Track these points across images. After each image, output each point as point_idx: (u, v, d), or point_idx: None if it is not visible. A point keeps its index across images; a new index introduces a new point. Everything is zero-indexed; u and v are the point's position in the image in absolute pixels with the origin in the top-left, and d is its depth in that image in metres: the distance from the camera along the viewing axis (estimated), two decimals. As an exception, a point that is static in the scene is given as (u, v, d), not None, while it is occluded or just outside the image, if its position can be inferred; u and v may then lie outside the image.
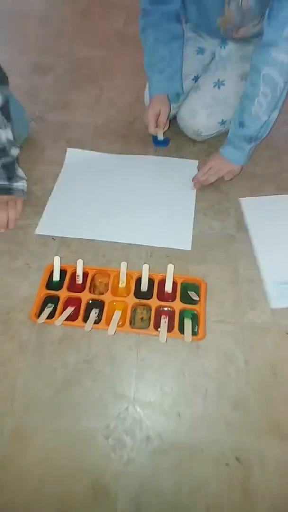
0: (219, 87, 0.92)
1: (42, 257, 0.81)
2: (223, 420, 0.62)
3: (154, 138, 0.97)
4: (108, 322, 0.67)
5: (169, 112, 0.92)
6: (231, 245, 0.82)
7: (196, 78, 0.97)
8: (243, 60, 0.90)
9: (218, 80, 0.92)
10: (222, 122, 0.94)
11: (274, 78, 0.72)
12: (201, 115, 0.93)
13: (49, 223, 0.86)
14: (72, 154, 1.02)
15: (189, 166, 0.98)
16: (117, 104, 1.19)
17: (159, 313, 0.70)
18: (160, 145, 0.98)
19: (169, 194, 0.92)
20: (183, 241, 0.82)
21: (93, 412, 0.63)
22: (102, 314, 0.70)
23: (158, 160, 1.00)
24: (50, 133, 1.09)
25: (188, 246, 0.81)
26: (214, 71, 0.94)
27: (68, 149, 1.02)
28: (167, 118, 0.92)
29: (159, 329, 0.66)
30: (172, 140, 1.02)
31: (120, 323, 0.69)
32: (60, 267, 0.76)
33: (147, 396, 0.64)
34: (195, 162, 0.99)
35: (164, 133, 0.95)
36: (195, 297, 0.68)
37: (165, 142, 0.97)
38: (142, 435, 0.61)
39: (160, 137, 0.95)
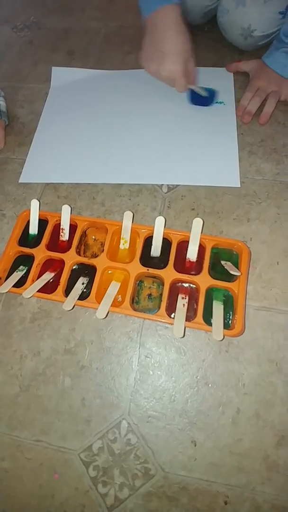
0: None
1: (22, 201, 0.59)
2: (261, 459, 0.41)
3: (193, 95, 0.64)
4: (99, 299, 0.46)
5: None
6: (289, 198, 0.55)
7: None
8: None
9: None
10: (285, 11, 0.63)
11: None
12: (254, 1, 0.62)
13: (36, 167, 0.62)
14: (60, 75, 0.74)
15: (220, 76, 0.69)
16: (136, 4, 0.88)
17: (175, 290, 0.47)
18: (203, 104, 0.65)
19: (196, 119, 0.64)
20: (228, 176, 0.57)
21: (70, 425, 0.43)
22: (92, 286, 0.48)
23: None
24: (47, 42, 0.82)
25: (236, 182, 0.56)
26: None
27: (53, 69, 0.75)
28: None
29: (173, 315, 0.43)
30: (207, 50, 0.72)
31: (120, 299, 0.47)
32: (40, 215, 0.54)
33: (150, 410, 0.43)
34: (223, 70, 0.69)
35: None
36: (234, 272, 0.43)
37: (210, 97, 0.65)
38: (139, 467, 0.41)
39: (203, 92, 0.63)
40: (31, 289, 0.47)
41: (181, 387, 0.44)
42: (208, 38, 0.74)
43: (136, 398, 0.44)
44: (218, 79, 0.68)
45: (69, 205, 0.53)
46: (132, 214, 0.50)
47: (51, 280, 0.49)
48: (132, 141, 0.62)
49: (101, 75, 0.73)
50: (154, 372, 0.45)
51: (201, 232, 0.48)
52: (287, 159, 0.59)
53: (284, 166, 0.58)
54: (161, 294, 0.47)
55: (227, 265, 0.45)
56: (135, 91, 0.69)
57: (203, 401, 0.43)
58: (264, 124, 0.62)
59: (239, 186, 0.56)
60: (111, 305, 0.45)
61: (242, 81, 0.68)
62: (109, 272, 0.49)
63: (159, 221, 0.49)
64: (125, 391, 0.44)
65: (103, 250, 0.50)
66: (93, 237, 0.54)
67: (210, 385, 0.44)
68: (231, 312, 0.45)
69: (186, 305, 0.45)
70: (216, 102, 0.65)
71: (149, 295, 0.49)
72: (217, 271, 0.47)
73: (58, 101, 0.70)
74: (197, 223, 0.48)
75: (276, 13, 0.62)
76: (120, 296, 0.48)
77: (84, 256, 0.52)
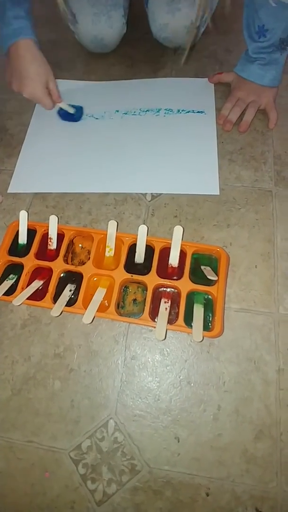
0: None
1: (11, 211, 0.61)
2: (240, 453, 0.43)
3: (62, 111, 0.69)
4: (86, 305, 0.48)
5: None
6: (266, 204, 0.58)
7: None
8: None
9: None
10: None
11: None
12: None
13: (24, 177, 0.64)
14: None
15: (201, 87, 0.71)
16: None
17: (158, 294, 0.50)
18: (71, 120, 0.69)
19: (178, 128, 0.66)
20: (208, 185, 0.59)
21: (60, 426, 0.45)
22: (79, 293, 0.50)
23: (163, 83, 0.73)
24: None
25: (215, 190, 0.59)
26: None
27: None
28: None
29: (156, 319, 0.46)
30: (188, 62, 0.75)
31: (107, 304, 0.50)
32: (29, 225, 0.56)
33: (136, 409, 0.46)
34: (205, 80, 0.72)
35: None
36: (212, 276, 0.46)
37: (78, 114, 0.69)
38: (125, 463, 0.43)
39: (70, 109, 0.68)
40: (21, 296, 0.49)
41: (165, 386, 0.47)
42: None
43: (122, 398, 0.46)
44: (199, 89, 0.71)
45: (57, 215, 0.55)
46: (116, 223, 0.52)
47: (40, 288, 0.51)
48: (118, 152, 0.64)
49: (87, 86, 0.75)
50: (140, 373, 0.48)
51: (182, 239, 0.51)
52: (265, 166, 0.62)
53: (262, 173, 0.61)
54: (145, 299, 0.49)
55: (206, 270, 0.48)
56: (120, 102, 0.71)
57: (186, 400, 0.46)
58: (244, 132, 0.65)
59: (218, 194, 0.59)
60: (98, 310, 0.47)
61: (223, 91, 0.70)
62: (95, 279, 0.51)
63: (142, 230, 0.51)
64: (112, 392, 0.47)
65: (89, 257, 0.52)
66: (80, 245, 0.56)
67: (192, 384, 0.47)
68: (211, 315, 0.48)
69: (168, 308, 0.47)
70: (198, 112, 0.68)
71: (134, 300, 0.51)
72: (198, 276, 0.50)
73: (46, 112, 0.72)
74: (178, 230, 0.50)
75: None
76: (106, 301, 0.50)
77: (72, 264, 0.54)
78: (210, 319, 0.48)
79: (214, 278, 0.46)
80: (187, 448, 0.44)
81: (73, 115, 0.69)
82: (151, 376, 0.47)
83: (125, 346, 0.49)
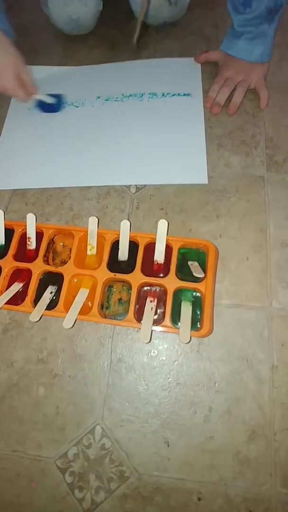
0: None
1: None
2: (232, 455, 0.41)
3: (40, 103, 0.64)
4: (67, 307, 0.45)
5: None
6: (258, 191, 0.55)
7: None
8: None
9: None
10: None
11: None
12: None
13: (2, 173, 0.61)
14: None
15: (187, 67, 0.66)
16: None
17: (144, 293, 0.47)
18: (51, 111, 0.65)
19: (162, 114, 0.62)
20: (195, 173, 0.56)
21: (46, 433, 0.44)
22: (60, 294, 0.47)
23: (145, 65, 0.68)
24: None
25: (203, 179, 0.55)
26: None
27: None
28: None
29: (142, 321, 0.43)
30: (173, 40, 0.70)
31: (90, 305, 0.47)
32: (7, 225, 0.53)
33: (123, 414, 0.44)
34: (191, 60, 0.67)
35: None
36: (198, 273, 0.43)
37: (58, 104, 0.64)
38: (114, 470, 0.42)
39: (48, 99, 0.63)
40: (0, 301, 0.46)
41: (153, 389, 0.45)
42: (172, 27, 0.71)
43: (109, 403, 0.45)
44: (185, 70, 0.67)
45: (37, 212, 0.53)
46: (97, 219, 0.49)
47: (20, 290, 0.49)
48: (99, 142, 0.61)
49: (65, 72, 0.71)
50: (127, 376, 0.46)
51: (168, 233, 0.48)
52: (256, 151, 0.58)
53: (253, 158, 0.57)
54: (130, 299, 0.46)
55: (193, 266, 0.45)
56: (101, 88, 0.67)
57: (175, 402, 0.44)
58: (233, 115, 0.61)
59: (206, 182, 0.55)
60: (81, 312, 0.45)
61: (210, 71, 0.66)
62: (75, 280, 0.49)
63: (124, 225, 0.48)
64: (98, 396, 0.45)
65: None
66: (61, 243, 0.53)
67: (182, 385, 0.45)
68: (199, 312, 0.45)
69: (154, 308, 0.45)
70: (184, 95, 0.64)
71: (119, 299, 0.49)
72: (185, 272, 0.47)
73: (22, 104, 0.68)
74: (162, 225, 0.47)
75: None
76: (90, 302, 0.48)
77: (54, 263, 0.52)
78: (199, 317, 0.45)
79: (200, 275, 0.43)
80: (177, 452, 0.42)
81: (52, 106, 0.64)
82: (138, 378, 0.45)
83: (111, 348, 0.47)
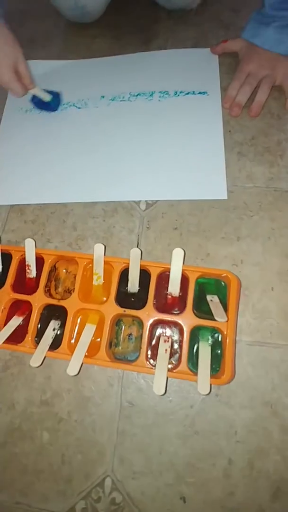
0: None
1: (-14, 229, 0.53)
2: (257, 517, 0.38)
3: (35, 99, 0.58)
4: (71, 347, 0.41)
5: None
6: (285, 208, 0.48)
7: None
8: None
9: None
10: None
11: None
12: None
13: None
14: None
15: (203, 60, 0.59)
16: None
17: (156, 331, 0.42)
18: (47, 109, 0.59)
19: (174, 116, 0.55)
20: (213, 187, 0.49)
21: (51, 484, 0.40)
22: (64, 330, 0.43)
23: (156, 58, 0.60)
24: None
25: (222, 194, 0.49)
26: None
27: None
28: None
29: (155, 363, 0.39)
30: (185, 28, 0.62)
31: (98, 340, 0.42)
32: (3, 249, 0.48)
33: (135, 465, 0.40)
34: (207, 51, 0.59)
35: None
36: (220, 317, 0.38)
37: (54, 102, 0.58)
38: (126, 526, 0.38)
39: (45, 96, 0.57)
40: (-2, 339, 0.42)
41: (167, 437, 0.41)
42: (186, 12, 0.63)
43: (120, 452, 0.41)
44: (201, 62, 0.59)
45: (37, 231, 0.49)
46: (103, 246, 0.44)
47: (21, 324, 0.45)
48: (104, 151, 0.54)
49: (65, 67, 0.63)
50: (138, 422, 0.42)
51: (183, 263, 0.42)
52: (282, 160, 0.51)
53: (279, 169, 0.51)
54: (142, 335, 0.42)
55: (213, 303, 0.40)
56: (105, 86, 0.59)
57: (192, 452, 0.40)
58: (255, 117, 0.54)
59: (226, 198, 0.49)
60: (88, 350, 0.40)
61: (229, 64, 0.58)
62: (80, 317, 0.44)
63: (135, 254, 0.42)
64: (107, 445, 0.41)
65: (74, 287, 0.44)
66: (65, 270, 0.48)
67: (199, 434, 0.40)
68: (219, 353, 0.41)
69: (168, 350, 0.40)
70: (199, 93, 0.56)
71: (129, 335, 0.44)
72: (203, 307, 0.42)
73: (20, 107, 0.61)
74: (177, 255, 0.41)
75: None
76: (99, 338, 0.43)
77: (57, 292, 0.47)
78: (220, 359, 0.40)
79: (223, 319, 0.37)
80: (194, 509, 0.38)
81: (49, 103, 0.58)
82: (152, 425, 0.41)
83: (120, 390, 0.43)
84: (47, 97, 0.57)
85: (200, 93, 0.56)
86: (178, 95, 0.56)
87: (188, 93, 0.56)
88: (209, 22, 0.63)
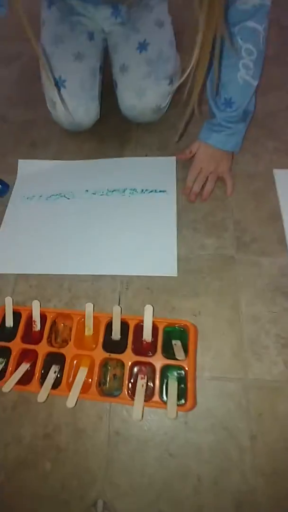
0: (145, 49, 0.74)
1: (-3, 292, 0.66)
2: (220, 522, 0.46)
3: None
4: (69, 385, 0.52)
5: None
6: (230, 270, 0.64)
7: (100, 68, 0.80)
8: (146, 9, 0.76)
9: (139, 43, 0.74)
10: (170, 81, 0.76)
11: (253, 28, 0.56)
12: (150, 86, 0.74)
13: (4, 258, 0.70)
14: (25, 167, 0.83)
15: (162, 164, 0.78)
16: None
17: (135, 370, 0.54)
18: None
19: (141, 208, 0.72)
20: (166, 265, 0.64)
21: (52, 509, 0.48)
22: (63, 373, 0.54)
23: (129, 163, 0.80)
24: (11, 134, 0.92)
25: (173, 271, 0.64)
26: (126, 39, 0.75)
27: (20, 161, 0.84)
28: None
29: (134, 399, 0.50)
30: (150, 135, 0.83)
31: (90, 381, 0.54)
32: (14, 309, 0.61)
33: (122, 486, 0.49)
34: (172, 159, 0.79)
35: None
36: (180, 356, 0.51)
37: (3, 190, 0.79)
38: None
39: None
40: (10, 383, 0.52)
41: (147, 460, 0.50)
42: (151, 123, 0.84)
43: (109, 476, 0.50)
44: (161, 167, 0.77)
45: (39, 293, 0.63)
46: (92, 305, 0.57)
47: (29, 369, 0.56)
48: (86, 234, 0.70)
49: (59, 166, 0.82)
50: (123, 449, 0.51)
51: (153, 315, 0.56)
52: (226, 233, 0.68)
53: (224, 240, 0.67)
54: (123, 374, 0.53)
55: (176, 346, 0.53)
56: (89, 182, 0.77)
57: (168, 473, 0.49)
58: (205, 201, 0.72)
59: (176, 275, 0.63)
60: (81, 389, 0.51)
61: (183, 162, 0.78)
62: (75, 362, 0.56)
63: (116, 310, 0.56)
64: (99, 470, 0.50)
65: (71, 338, 0.57)
66: (62, 324, 0.61)
67: (173, 456, 0.50)
68: (184, 387, 0.52)
69: (144, 385, 0.51)
70: (160, 191, 0.74)
71: (114, 375, 0.56)
72: (170, 351, 0.54)
73: (23, 192, 0.79)
74: (148, 310, 0.55)
75: (166, 85, 0.75)
76: (90, 379, 0.54)
77: (56, 342, 0.59)
78: (185, 392, 0.52)
79: (181, 358, 0.50)
80: (171, 522, 0.47)
81: None
82: (134, 451, 0.51)
83: (108, 422, 0.53)
84: None
85: (160, 191, 0.74)
86: (144, 192, 0.75)
87: (151, 191, 0.74)
88: (168, 130, 0.84)
